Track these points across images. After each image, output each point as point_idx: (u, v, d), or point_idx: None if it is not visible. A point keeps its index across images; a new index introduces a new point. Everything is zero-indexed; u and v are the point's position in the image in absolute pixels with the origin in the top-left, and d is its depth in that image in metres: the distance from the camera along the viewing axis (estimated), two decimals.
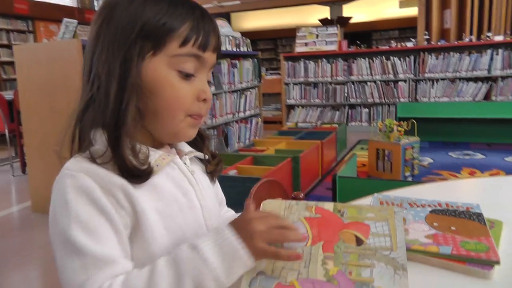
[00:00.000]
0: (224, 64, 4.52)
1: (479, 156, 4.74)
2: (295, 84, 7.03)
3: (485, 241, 0.79)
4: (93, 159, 0.63)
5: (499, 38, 5.97)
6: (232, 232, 0.61)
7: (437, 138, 5.31)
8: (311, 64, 6.90)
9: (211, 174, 0.82)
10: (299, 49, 7.04)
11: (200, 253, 0.59)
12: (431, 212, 0.93)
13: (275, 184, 1.55)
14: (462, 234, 0.82)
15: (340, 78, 6.76)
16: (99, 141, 0.65)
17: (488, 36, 6.18)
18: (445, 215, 0.91)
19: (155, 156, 0.69)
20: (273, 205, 0.71)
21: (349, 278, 0.63)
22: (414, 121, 3.79)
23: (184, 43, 0.67)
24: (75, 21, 3.37)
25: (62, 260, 0.60)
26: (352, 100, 6.74)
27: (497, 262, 0.73)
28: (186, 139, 0.74)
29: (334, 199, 2.44)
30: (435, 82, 6.23)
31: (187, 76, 0.68)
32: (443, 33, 7.38)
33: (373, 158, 4.00)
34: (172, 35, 0.66)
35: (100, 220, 0.61)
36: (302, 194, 1.66)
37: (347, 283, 0.62)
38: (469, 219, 0.88)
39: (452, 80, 6.17)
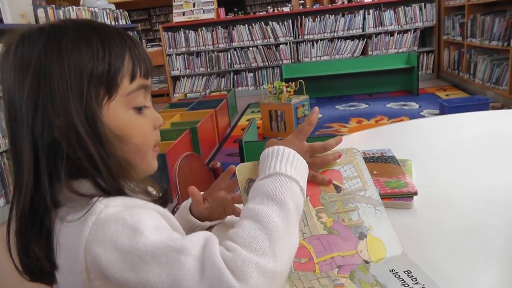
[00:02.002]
0: None
1: (363, 106, 5.23)
2: (177, 54, 6.93)
3: (403, 178, 0.94)
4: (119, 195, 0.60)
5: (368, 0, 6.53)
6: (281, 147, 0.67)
7: (323, 94, 5.73)
8: (191, 34, 6.84)
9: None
10: (177, 18, 6.90)
11: (279, 174, 0.62)
12: None
13: (193, 158, 1.59)
14: (384, 175, 0.96)
15: (222, 46, 6.83)
16: (92, 189, 0.59)
17: None
18: (366, 162, 1.05)
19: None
20: (246, 167, 0.74)
21: (344, 225, 0.72)
22: (302, 81, 4.04)
23: (133, 77, 0.63)
24: None
25: (167, 268, 0.52)
26: (236, 66, 6.87)
27: (416, 193, 0.88)
28: (153, 172, 0.71)
29: None
30: (315, 43, 6.62)
31: (140, 109, 0.64)
32: None
33: (267, 120, 4.20)
34: (121, 73, 0.61)
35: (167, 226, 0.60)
36: (218, 163, 1.73)
37: (344, 230, 0.71)
38: (386, 162, 1.04)
39: (331, 40, 6.61)
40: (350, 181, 0.77)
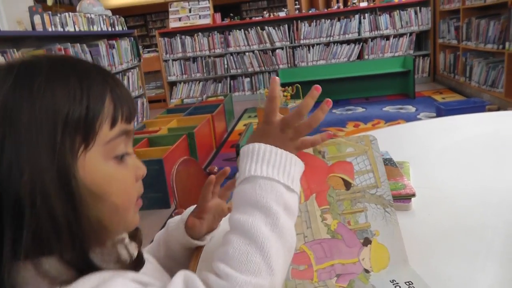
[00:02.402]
0: (102, 46, 4.30)
1: (360, 109, 5.24)
2: (174, 60, 6.94)
3: (401, 180, 0.94)
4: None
5: (363, 4, 6.56)
6: (261, 145, 0.59)
7: (320, 98, 5.61)
8: (187, 39, 6.85)
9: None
10: (173, 24, 6.92)
11: (256, 178, 0.56)
12: None
13: (190, 163, 1.59)
14: None
15: (218, 51, 6.84)
16: (58, 268, 0.49)
17: (354, 3, 6.74)
18: None
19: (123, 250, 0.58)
20: None
21: (350, 228, 0.67)
22: (299, 85, 4.04)
23: (114, 122, 0.54)
24: None
25: None
26: (233, 71, 6.88)
27: (413, 195, 0.88)
28: (134, 228, 0.63)
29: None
30: (311, 47, 6.64)
31: (121, 158, 0.55)
32: (312, 2, 7.86)
33: None
34: (101, 118, 0.52)
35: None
36: (216, 168, 1.73)
37: (349, 234, 0.67)
38: (384, 165, 1.03)
39: (327, 44, 6.63)
40: (361, 175, 0.70)
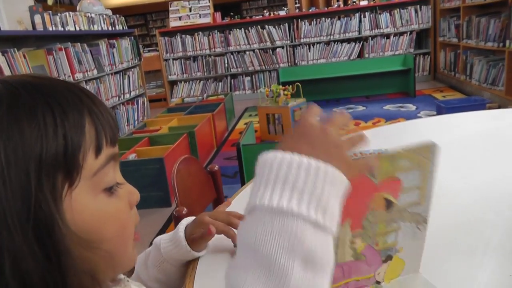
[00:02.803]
0: (103, 45, 4.31)
1: (360, 108, 5.25)
2: (174, 59, 6.95)
3: None
4: None
5: (364, 2, 6.56)
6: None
7: (321, 97, 5.75)
8: (188, 38, 6.86)
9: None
10: (173, 23, 6.93)
11: (263, 212, 0.41)
12: None
13: (191, 161, 1.59)
14: None
15: (218, 50, 6.85)
16: None
17: (354, 2, 6.74)
18: None
19: None
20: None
21: (376, 249, 0.60)
22: (299, 84, 4.05)
23: (99, 149, 0.45)
24: None
25: None
26: (233, 70, 6.89)
27: None
28: (136, 261, 0.55)
29: (240, 168, 2.56)
30: (311, 46, 6.65)
31: (111, 189, 0.47)
32: (313, 1, 7.87)
33: (264, 123, 4.20)
34: (83, 148, 0.43)
35: None
36: (216, 166, 1.73)
37: (373, 255, 0.60)
38: None
39: (327, 43, 6.64)
40: (407, 192, 0.58)
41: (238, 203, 0.95)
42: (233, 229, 0.76)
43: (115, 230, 0.47)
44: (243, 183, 2.59)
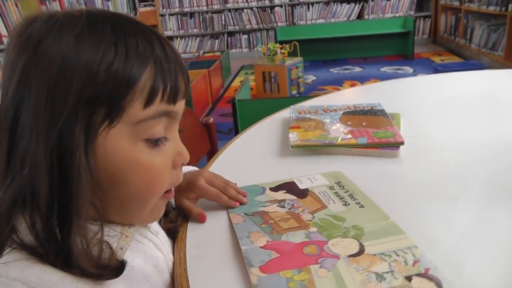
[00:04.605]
0: (98, 0, 4.21)
1: (357, 69, 5.21)
2: (170, 15, 6.80)
3: (391, 129, 0.96)
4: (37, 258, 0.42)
5: None
6: None
7: (318, 57, 5.70)
8: None
9: (168, 230, 0.63)
10: None
11: None
12: (343, 114, 1.08)
13: (187, 113, 1.60)
14: (372, 126, 0.98)
15: (216, 7, 6.70)
16: (26, 229, 0.42)
17: None
18: (356, 115, 1.07)
19: (114, 238, 0.49)
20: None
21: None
22: (297, 43, 4.00)
23: (149, 101, 0.45)
24: None
25: None
26: (231, 28, 6.77)
27: (402, 143, 0.91)
28: (155, 221, 0.57)
29: (235, 123, 2.57)
30: (310, 6, 6.51)
31: (156, 141, 0.47)
32: None
33: (260, 81, 4.18)
34: (132, 93, 0.44)
35: None
36: (211, 118, 1.75)
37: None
38: (375, 115, 1.05)
39: (327, 3, 6.50)
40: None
41: (229, 153, 0.96)
42: (226, 196, 0.70)
43: (141, 181, 0.47)
44: None
